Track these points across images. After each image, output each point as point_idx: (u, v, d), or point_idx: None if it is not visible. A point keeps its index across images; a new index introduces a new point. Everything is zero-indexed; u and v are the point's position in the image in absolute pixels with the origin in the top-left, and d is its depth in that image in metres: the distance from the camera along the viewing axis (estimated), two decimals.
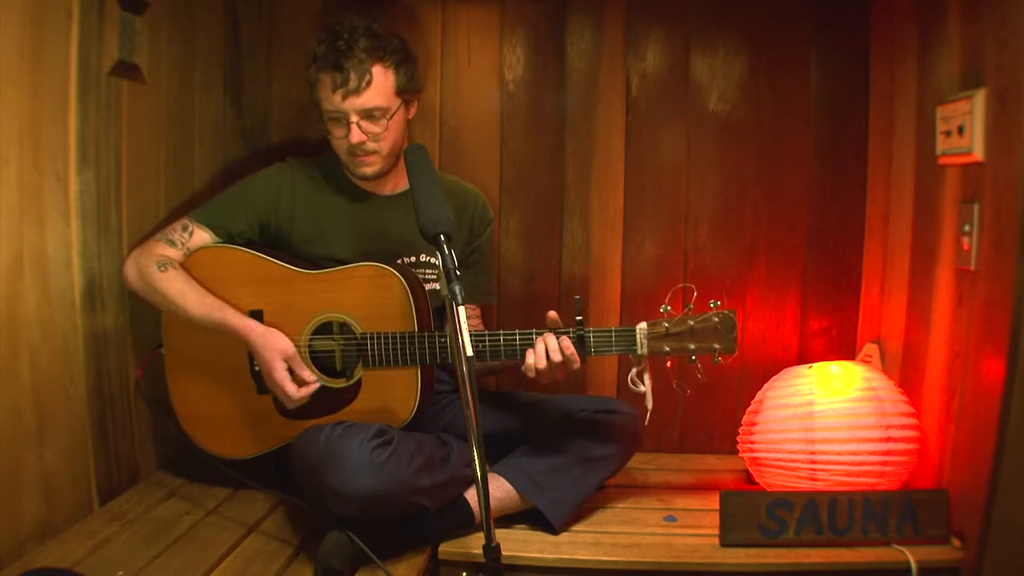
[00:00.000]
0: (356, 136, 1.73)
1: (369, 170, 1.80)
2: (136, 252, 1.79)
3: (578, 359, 1.66)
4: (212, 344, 1.77)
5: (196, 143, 2.17)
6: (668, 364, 1.71)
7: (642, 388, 1.71)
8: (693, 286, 1.70)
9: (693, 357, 1.68)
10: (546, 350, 1.65)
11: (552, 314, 1.68)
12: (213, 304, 1.72)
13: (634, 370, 1.71)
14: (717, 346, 1.67)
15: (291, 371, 1.69)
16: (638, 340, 1.68)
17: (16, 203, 1.54)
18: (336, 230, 1.86)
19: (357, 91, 1.71)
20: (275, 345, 1.68)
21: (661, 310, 1.68)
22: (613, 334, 1.68)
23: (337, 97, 1.71)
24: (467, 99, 2.29)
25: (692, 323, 1.67)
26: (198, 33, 2.15)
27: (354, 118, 1.72)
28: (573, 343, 1.66)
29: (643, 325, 1.68)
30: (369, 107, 1.73)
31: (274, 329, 1.71)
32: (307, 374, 1.70)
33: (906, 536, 1.72)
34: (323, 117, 1.77)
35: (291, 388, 1.68)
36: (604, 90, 2.29)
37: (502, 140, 2.33)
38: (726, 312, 1.67)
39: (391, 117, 1.76)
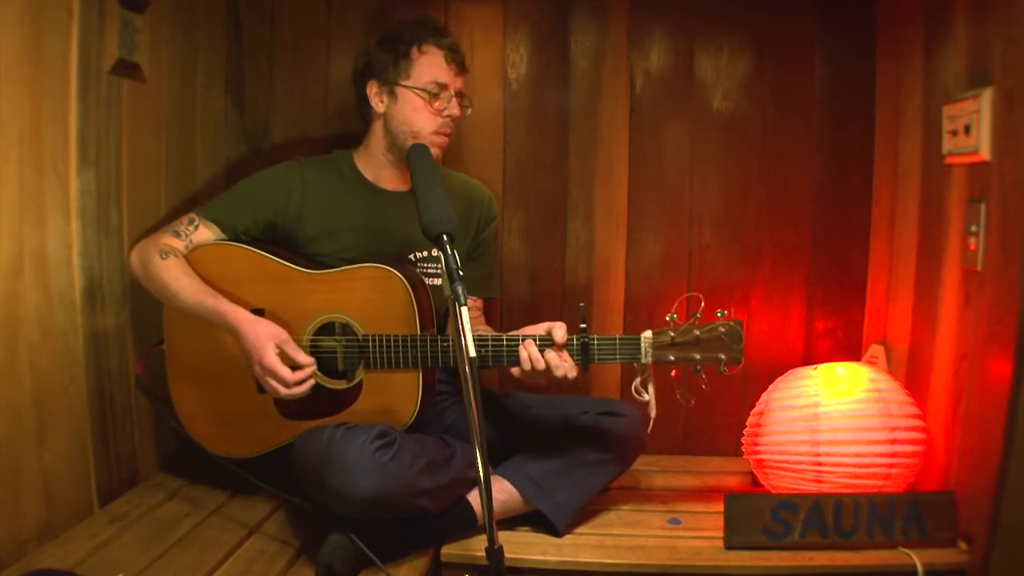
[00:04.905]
0: (457, 108, 1.85)
1: (439, 151, 1.84)
2: (143, 242, 1.79)
3: (569, 367, 1.64)
4: (213, 342, 1.76)
5: (197, 142, 2.17)
6: (672, 373, 1.69)
7: (646, 397, 1.69)
8: (700, 295, 1.68)
9: (698, 367, 1.66)
10: (529, 359, 1.64)
11: (559, 332, 1.65)
12: (206, 292, 1.69)
13: (638, 379, 1.70)
14: (723, 356, 1.65)
15: (284, 358, 1.63)
16: (643, 349, 1.66)
17: (16, 202, 1.53)
18: (346, 228, 1.86)
19: (465, 71, 1.89)
20: (265, 331, 1.63)
21: (667, 319, 1.65)
22: (617, 342, 1.67)
23: (451, 71, 1.84)
24: (470, 97, 2.27)
25: (698, 333, 1.65)
26: (199, 32, 2.15)
27: (453, 92, 1.84)
28: (577, 350, 1.65)
29: (648, 333, 1.66)
30: (463, 89, 1.89)
31: (266, 319, 1.67)
32: (302, 357, 1.64)
33: (912, 539, 1.71)
34: (393, 91, 1.83)
35: (284, 371, 1.60)
36: (608, 88, 2.28)
37: (505, 139, 2.32)
38: (732, 323, 1.65)
39: (462, 108, 1.88)
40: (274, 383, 1.63)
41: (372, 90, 1.86)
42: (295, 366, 1.63)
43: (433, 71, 1.82)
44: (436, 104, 1.82)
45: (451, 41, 1.85)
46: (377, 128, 1.89)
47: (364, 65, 1.87)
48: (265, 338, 1.62)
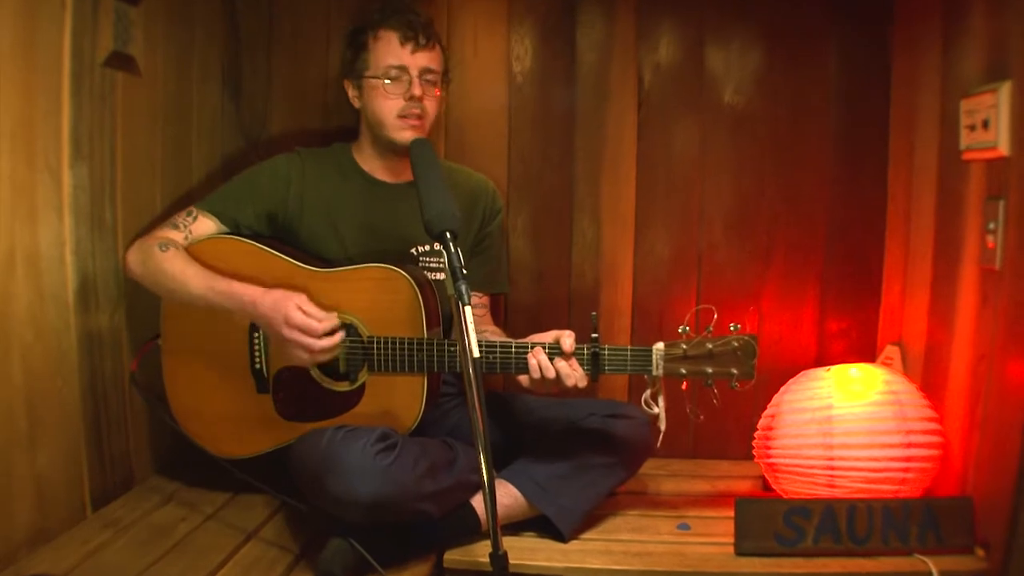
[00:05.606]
0: (418, 88, 1.78)
1: (412, 134, 1.79)
2: (139, 241, 1.77)
3: (579, 377, 1.62)
4: (211, 338, 1.74)
5: (193, 137, 2.15)
6: (683, 386, 1.67)
7: (656, 410, 1.67)
8: (713, 308, 1.65)
9: (710, 381, 1.64)
10: (539, 367, 1.62)
11: (567, 340, 1.61)
12: (214, 277, 1.67)
13: (648, 391, 1.67)
14: (735, 371, 1.63)
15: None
16: (654, 361, 1.63)
17: (8, 199, 1.51)
18: (346, 220, 1.84)
19: (425, 47, 1.80)
20: (283, 294, 1.61)
21: (680, 330, 1.63)
22: (628, 353, 1.64)
23: (406, 51, 1.78)
24: (473, 92, 2.25)
25: (711, 346, 1.63)
26: (196, 24, 2.13)
27: (415, 73, 1.78)
28: (587, 360, 1.63)
29: (660, 345, 1.64)
30: (431, 66, 1.81)
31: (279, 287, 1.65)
32: (322, 313, 1.61)
33: (928, 545, 1.68)
34: (360, 84, 1.81)
35: (313, 323, 1.57)
36: (615, 83, 2.24)
37: (509, 135, 2.28)
38: (746, 337, 1.63)
39: (438, 85, 1.84)
40: (305, 339, 1.58)
41: (348, 88, 1.86)
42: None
43: (388, 55, 1.78)
44: (393, 88, 1.78)
45: (407, 19, 1.79)
46: (362, 124, 1.88)
47: (341, 65, 1.88)
48: (284, 299, 1.60)
